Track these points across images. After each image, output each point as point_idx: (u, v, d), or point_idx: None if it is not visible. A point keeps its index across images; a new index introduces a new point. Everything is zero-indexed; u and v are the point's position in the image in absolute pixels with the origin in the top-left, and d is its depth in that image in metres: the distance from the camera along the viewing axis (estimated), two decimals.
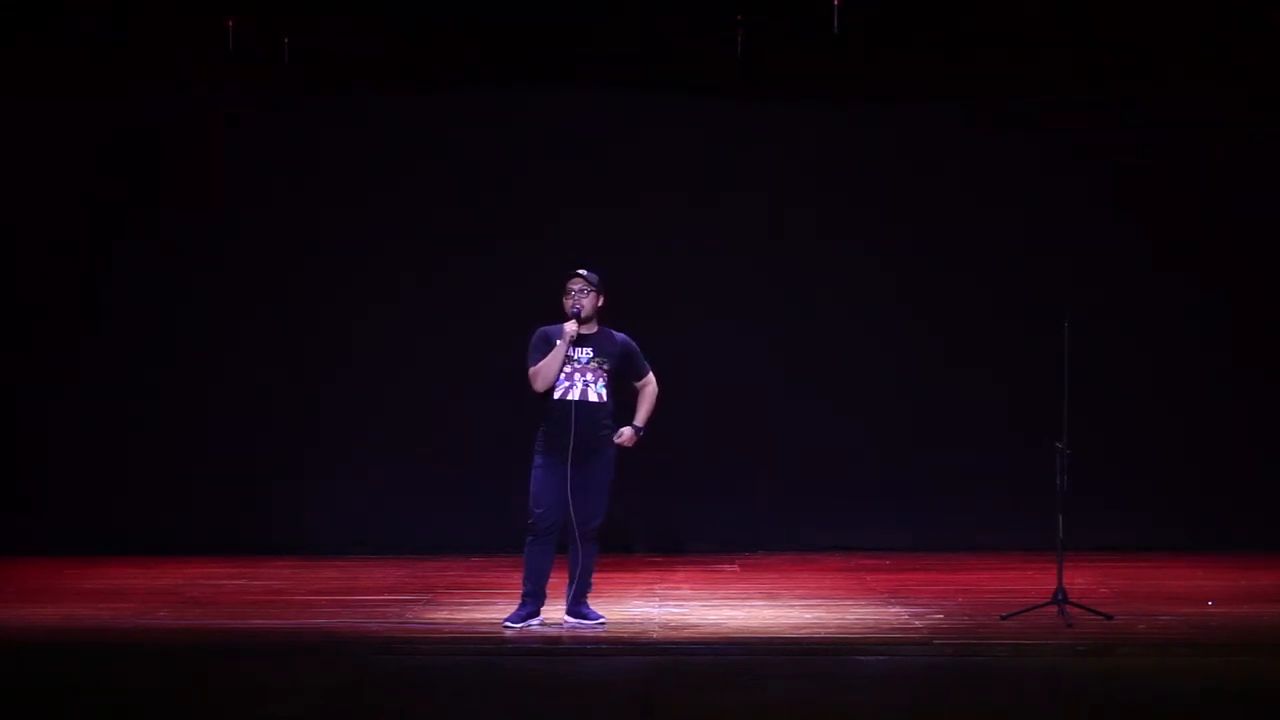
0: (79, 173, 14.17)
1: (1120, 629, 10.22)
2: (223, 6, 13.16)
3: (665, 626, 10.43)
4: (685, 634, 10.21)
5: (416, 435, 14.21)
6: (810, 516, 14.32)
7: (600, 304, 10.21)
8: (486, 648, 9.83)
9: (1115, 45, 13.75)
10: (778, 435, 14.28)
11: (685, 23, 13.45)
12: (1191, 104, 14.18)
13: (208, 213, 14.21)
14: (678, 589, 12.11)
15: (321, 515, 14.17)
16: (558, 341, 10.11)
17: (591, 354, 10.17)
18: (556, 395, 10.12)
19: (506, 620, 10.22)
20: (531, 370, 10.15)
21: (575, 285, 10.16)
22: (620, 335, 10.32)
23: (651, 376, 10.37)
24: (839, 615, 10.87)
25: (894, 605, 11.22)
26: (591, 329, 10.19)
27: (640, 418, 10.29)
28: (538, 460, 10.18)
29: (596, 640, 9.95)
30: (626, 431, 10.21)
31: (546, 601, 10.27)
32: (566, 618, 10.28)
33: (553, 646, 9.84)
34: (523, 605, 10.22)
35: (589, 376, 10.15)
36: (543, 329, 10.24)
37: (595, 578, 10.35)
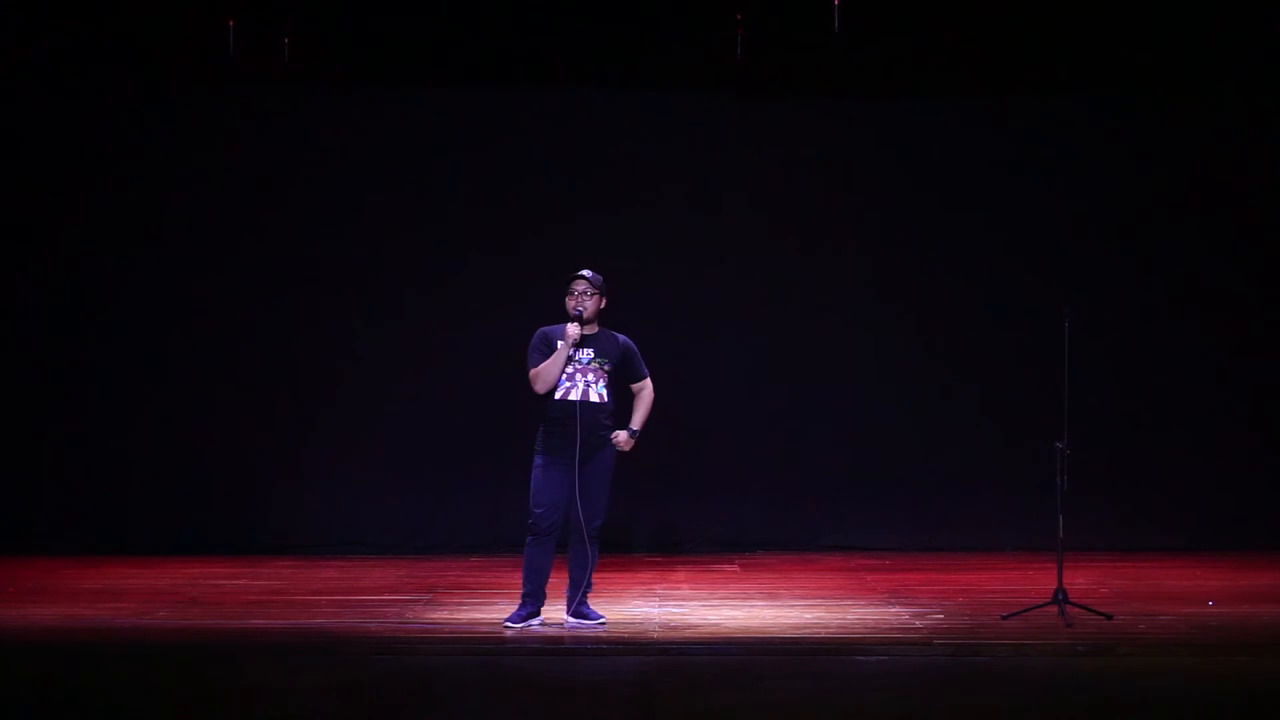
0: (80, 173, 14.18)
1: (1120, 629, 10.22)
2: (223, 6, 13.16)
3: (665, 626, 10.43)
4: (685, 634, 10.21)
5: (417, 435, 14.22)
6: (810, 516, 14.33)
7: (602, 305, 10.21)
8: (486, 648, 9.83)
9: (1115, 46, 13.74)
10: (778, 435, 14.28)
11: (685, 23, 13.45)
12: (1191, 104, 14.19)
13: (208, 213, 14.22)
14: (678, 589, 12.11)
15: (321, 515, 14.18)
16: (559, 343, 10.10)
17: (593, 355, 10.17)
18: (558, 395, 10.12)
19: (507, 620, 10.22)
20: (532, 372, 10.14)
21: (579, 287, 10.15)
22: (621, 337, 10.32)
23: (648, 381, 10.37)
24: (839, 615, 10.87)
25: (894, 605, 11.22)
26: (592, 330, 10.19)
27: (636, 421, 10.29)
28: (538, 460, 10.18)
29: (596, 640, 9.95)
30: (622, 435, 10.21)
31: (546, 601, 10.27)
32: (567, 618, 10.28)
33: (553, 646, 9.84)
34: (523, 605, 10.22)
35: (590, 377, 10.15)
36: (543, 330, 10.23)
37: (595, 578, 10.35)
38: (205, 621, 10.72)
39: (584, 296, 10.13)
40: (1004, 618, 10.49)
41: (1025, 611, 10.51)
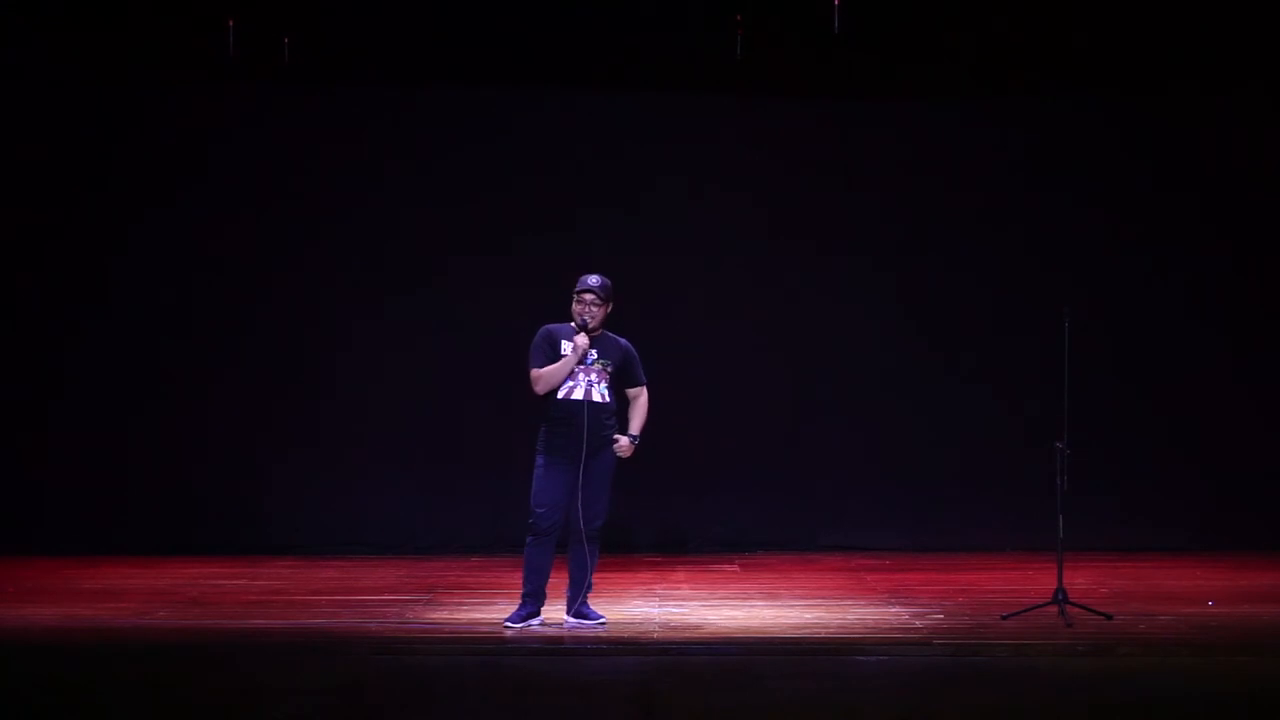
0: (79, 173, 14.18)
1: (1120, 629, 10.22)
2: (223, 6, 13.16)
3: (665, 626, 10.43)
4: (685, 634, 10.20)
5: (417, 435, 14.22)
6: (810, 516, 14.33)
7: (609, 311, 10.20)
8: (486, 648, 9.83)
9: (1115, 46, 13.74)
10: (777, 435, 14.28)
11: (685, 23, 13.45)
12: (1191, 104, 14.20)
13: (208, 213, 14.22)
14: (678, 589, 12.10)
15: (321, 515, 14.18)
16: (565, 347, 10.09)
17: (597, 355, 10.16)
18: (561, 395, 10.11)
19: (507, 620, 10.22)
20: (535, 373, 10.13)
21: (588, 297, 10.12)
22: (622, 340, 10.32)
23: (645, 389, 10.36)
24: (839, 615, 10.87)
25: (894, 605, 11.22)
26: (596, 332, 10.19)
27: (635, 427, 10.28)
28: (540, 460, 10.17)
29: (596, 640, 9.95)
30: (624, 441, 10.20)
31: (546, 601, 10.26)
32: (567, 618, 10.28)
33: (553, 646, 9.83)
34: (523, 605, 10.22)
35: (593, 377, 10.15)
36: (547, 328, 10.21)
37: (595, 578, 10.35)
38: (205, 621, 10.72)
39: (591, 306, 10.11)
40: (1004, 618, 10.49)
41: (1025, 611, 10.51)
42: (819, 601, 11.44)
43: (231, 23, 13.16)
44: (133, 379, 14.16)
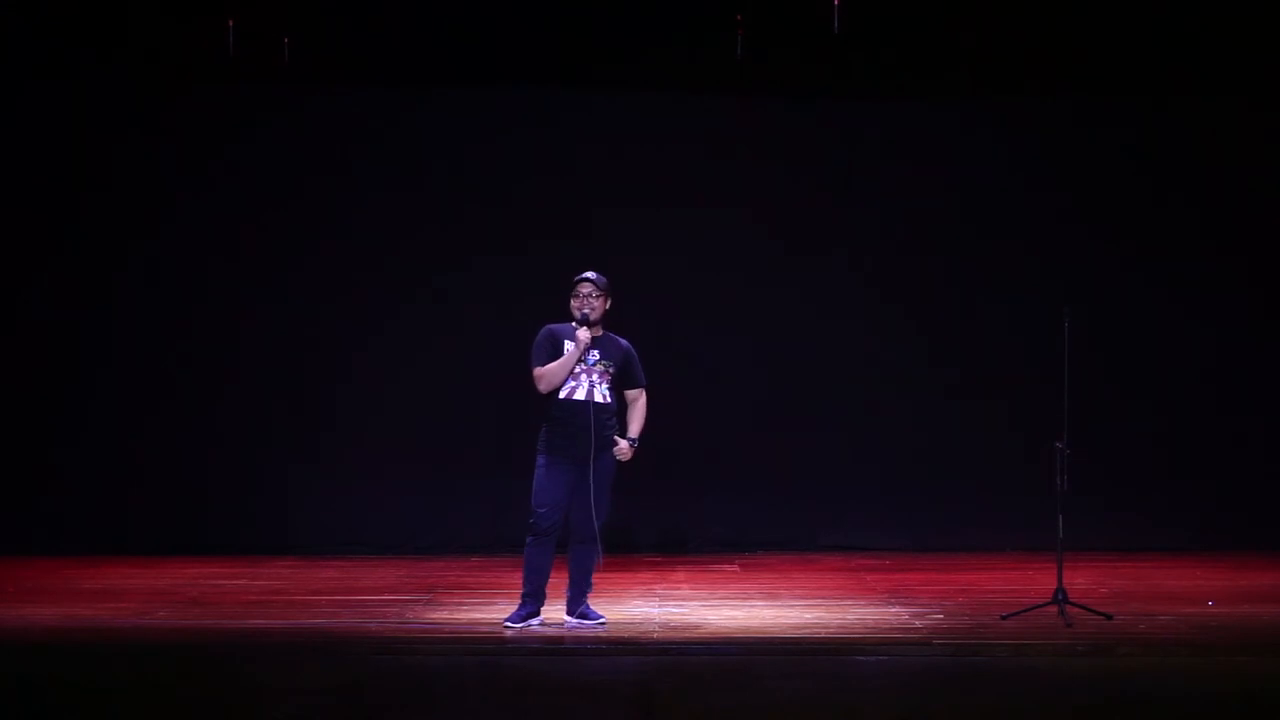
0: (80, 174, 14.18)
1: (1120, 629, 10.22)
2: (223, 6, 13.16)
3: (665, 626, 10.43)
4: (685, 634, 10.20)
5: (416, 435, 14.22)
6: (810, 516, 14.33)
7: (608, 307, 10.20)
8: (486, 648, 9.83)
9: (1114, 46, 13.74)
10: (778, 436, 14.27)
11: (685, 23, 13.45)
12: (1190, 105, 14.19)
13: (208, 213, 14.22)
14: (678, 589, 12.10)
15: (321, 515, 14.18)
16: (568, 346, 10.09)
17: (598, 356, 10.17)
18: (563, 395, 10.11)
19: (507, 620, 10.22)
20: (538, 371, 10.13)
21: (585, 289, 10.13)
22: (624, 341, 10.31)
23: (644, 391, 10.35)
24: (839, 615, 10.87)
25: (894, 605, 11.22)
26: (597, 332, 10.19)
27: (634, 430, 10.28)
28: (541, 460, 10.17)
29: (596, 640, 9.95)
30: (623, 445, 10.20)
31: (546, 601, 10.26)
32: (567, 618, 10.28)
33: (553, 646, 9.83)
34: (523, 605, 10.22)
35: (595, 378, 10.15)
36: (549, 328, 10.21)
37: (595, 578, 10.35)
38: (205, 621, 10.72)
39: (590, 299, 10.12)
40: (1004, 618, 10.49)
41: (1025, 611, 10.51)
42: (819, 601, 11.44)
43: (231, 23, 13.15)
44: (133, 379, 14.16)
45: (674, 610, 11.06)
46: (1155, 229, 14.28)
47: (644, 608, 11.15)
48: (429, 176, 14.27)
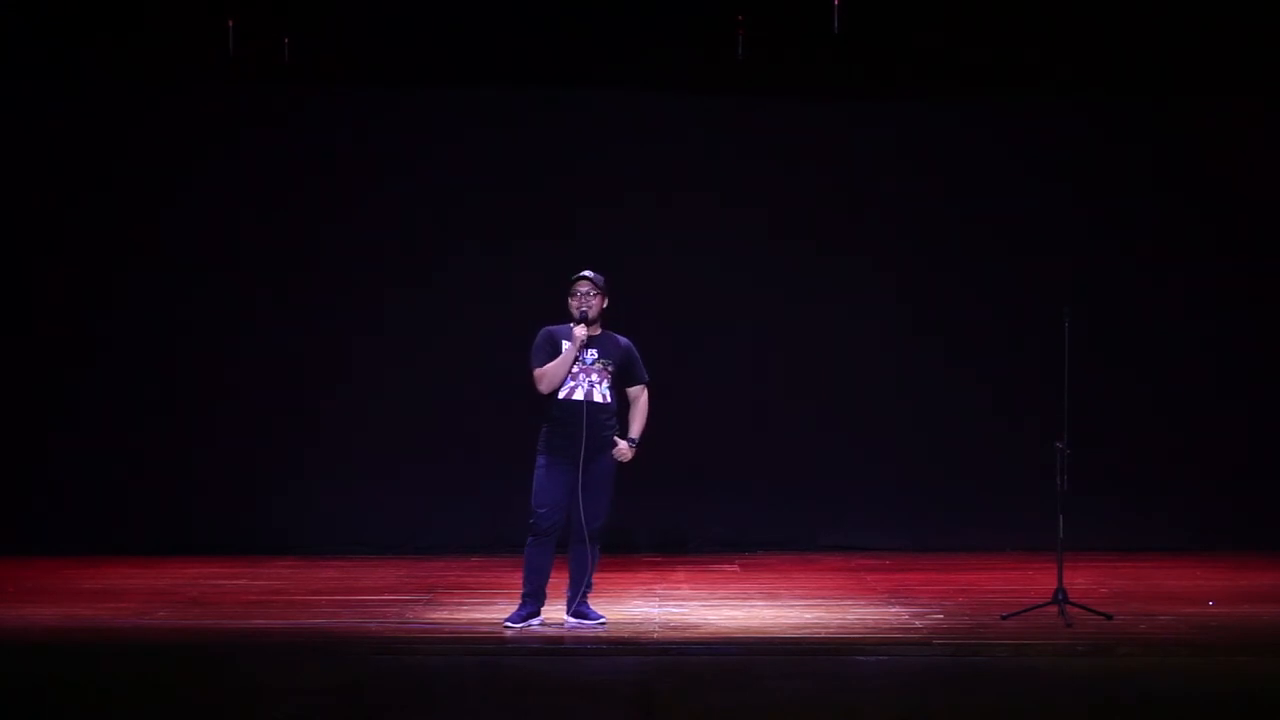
0: (80, 174, 14.18)
1: (1120, 629, 10.22)
2: (223, 6, 13.16)
3: (665, 626, 10.42)
4: (685, 634, 10.20)
5: (416, 435, 14.22)
6: (810, 516, 14.33)
7: (605, 305, 10.20)
8: (486, 648, 9.83)
9: (1114, 46, 13.74)
10: (778, 435, 14.28)
11: (685, 22, 13.45)
12: (1190, 105, 14.19)
13: (207, 213, 14.23)
14: (678, 589, 12.10)
15: (321, 515, 14.18)
16: (565, 344, 10.10)
17: (597, 355, 10.16)
18: (562, 395, 10.11)
19: (507, 620, 10.22)
20: (538, 371, 10.13)
21: (583, 287, 10.14)
22: (623, 339, 10.31)
23: (645, 389, 10.34)
24: (839, 615, 10.87)
25: (894, 605, 11.22)
26: (595, 331, 10.19)
27: (635, 430, 10.27)
28: (541, 460, 10.17)
29: (596, 640, 9.95)
30: (623, 446, 10.19)
31: (547, 601, 10.26)
32: (567, 618, 10.28)
33: (553, 646, 9.83)
34: (523, 605, 10.22)
35: (594, 377, 10.14)
36: (547, 329, 10.22)
37: (595, 578, 10.35)
38: (205, 621, 10.72)
39: (588, 297, 10.12)
40: (1004, 618, 10.49)
41: (1025, 611, 10.51)
42: (819, 601, 11.44)
43: (231, 23, 13.15)
44: (133, 379, 14.16)
45: (674, 610, 11.06)
46: (1158, 228, 14.28)
47: (644, 608, 11.15)
48: (429, 176, 14.27)
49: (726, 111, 14.29)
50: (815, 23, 12.93)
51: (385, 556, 13.76)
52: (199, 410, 14.19)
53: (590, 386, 10.12)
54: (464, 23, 13.54)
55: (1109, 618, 10.43)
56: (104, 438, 14.11)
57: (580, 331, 10.07)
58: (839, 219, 14.35)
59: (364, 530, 14.17)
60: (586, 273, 10.19)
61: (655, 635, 10.15)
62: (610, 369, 10.19)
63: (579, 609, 10.28)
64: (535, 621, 10.21)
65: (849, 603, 11.39)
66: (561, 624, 10.25)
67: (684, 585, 12.32)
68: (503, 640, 9.96)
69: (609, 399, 10.18)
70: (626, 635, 10.10)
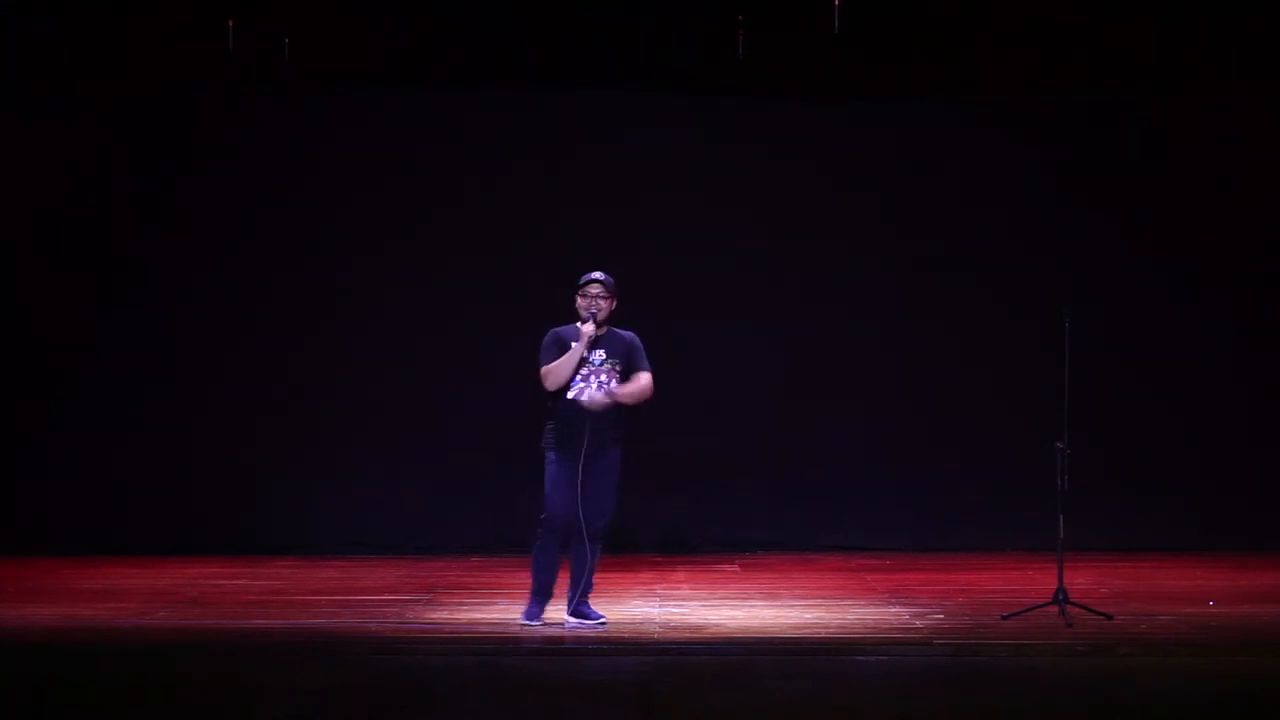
0: (79, 173, 14.18)
1: (1120, 629, 10.22)
2: (223, 6, 13.16)
3: (665, 626, 10.42)
4: (685, 634, 10.20)
5: (416, 435, 14.22)
6: (810, 516, 14.33)
7: (613, 307, 10.19)
8: (486, 648, 9.82)
9: (1114, 46, 13.74)
10: (778, 435, 14.28)
11: (685, 23, 13.45)
12: (1190, 104, 14.20)
13: (207, 213, 14.23)
14: (678, 589, 12.10)
15: (321, 515, 14.18)
16: (574, 343, 10.08)
17: (605, 355, 10.14)
18: (570, 395, 10.08)
19: (525, 618, 10.15)
20: (544, 369, 10.09)
21: (593, 290, 10.09)
22: (627, 333, 10.27)
23: (647, 375, 10.25)
24: (839, 615, 10.87)
25: (894, 605, 11.22)
26: (601, 330, 10.17)
27: (619, 390, 10.09)
28: (551, 457, 10.12)
29: (596, 640, 9.95)
30: (598, 393, 10.06)
31: (549, 601, 10.25)
32: (567, 618, 10.27)
33: (553, 646, 9.83)
34: (536, 601, 10.18)
35: (603, 378, 10.13)
36: (555, 330, 10.18)
37: (595, 578, 10.34)
38: (205, 621, 10.72)
39: (597, 300, 10.10)
40: (1004, 618, 10.48)
41: (1025, 611, 10.50)
42: (819, 601, 11.43)
43: (231, 23, 13.15)
44: (133, 379, 14.16)
45: (674, 610, 11.06)
46: (1159, 227, 14.28)
47: (644, 608, 11.14)
48: (430, 175, 14.28)
49: (726, 111, 14.28)
50: (815, 23, 12.93)
51: (385, 556, 13.76)
52: (199, 410, 14.19)
53: (599, 387, 10.10)
54: (463, 23, 13.54)
55: (1109, 618, 10.43)
56: (104, 438, 14.11)
57: (588, 328, 10.05)
58: (839, 219, 14.34)
59: (364, 530, 14.17)
60: (597, 275, 10.14)
61: (655, 635, 10.14)
62: (618, 368, 10.16)
63: (579, 609, 10.27)
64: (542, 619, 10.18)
65: (849, 603, 11.39)
66: (562, 624, 10.24)
67: (684, 585, 12.32)
68: (503, 640, 9.96)
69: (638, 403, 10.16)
70: (626, 635, 10.09)
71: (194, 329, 14.21)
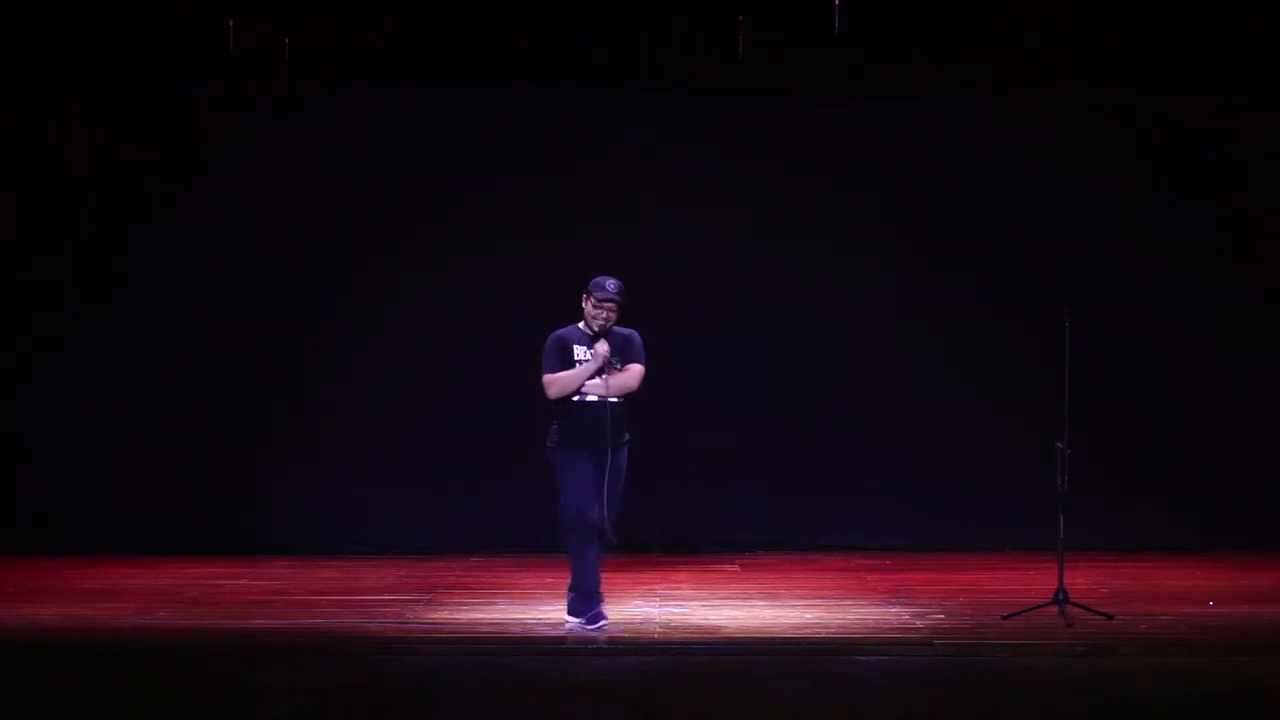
0: (79, 173, 14.18)
1: (1120, 629, 10.22)
2: (223, 6, 13.16)
3: (665, 626, 10.42)
4: (685, 634, 10.20)
5: (416, 435, 14.21)
6: (810, 516, 14.33)
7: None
8: (486, 648, 9.83)
9: (1114, 46, 13.74)
10: (778, 435, 14.27)
11: (685, 23, 13.45)
12: (1191, 104, 14.19)
13: (207, 213, 14.23)
14: (678, 589, 12.10)
15: (321, 515, 14.18)
16: (577, 350, 10.01)
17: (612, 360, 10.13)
18: (576, 398, 10.03)
19: (589, 623, 10.07)
20: (550, 377, 10.04)
21: (610, 305, 10.01)
22: (626, 331, 10.24)
23: (638, 366, 10.14)
24: (839, 615, 10.87)
25: (894, 605, 11.22)
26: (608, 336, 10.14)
27: (611, 382, 10.06)
28: (563, 457, 10.05)
29: (596, 640, 9.94)
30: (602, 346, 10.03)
31: (546, 603, 10.24)
32: (568, 618, 10.26)
33: (553, 646, 9.83)
34: (594, 603, 10.11)
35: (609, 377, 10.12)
36: (556, 334, 10.14)
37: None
38: (205, 621, 10.72)
39: (613, 312, 10.06)
40: (1004, 618, 10.49)
41: (1025, 611, 10.51)
42: (819, 601, 11.44)
43: (231, 23, 13.15)
44: (133, 379, 14.16)
45: (674, 610, 11.06)
46: (1159, 227, 14.28)
47: (644, 608, 11.15)
48: (430, 176, 14.27)
49: (726, 111, 14.28)
50: (815, 23, 12.92)
51: (385, 556, 13.76)
52: (200, 410, 14.19)
53: (602, 379, 10.07)
54: (463, 23, 13.53)
55: (1109, 618, 10.43)
56: (104, 438, 14.11)
57: (602, 348, 10.00)
58: (838, 219, 14.33)
59: (364, 530, 14.17)
60: (612, 288, 10.03)
61: (655, 635, 10.14)
62: (618, 365, 10.13)
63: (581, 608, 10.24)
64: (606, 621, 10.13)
65: (849, 603, 11.39)
66: (562, 624, 10.23)
67: (684, 585, 12.32)
68: (503, 640, 9.97)
69: (622, 397, 10.15)
70: (626, 635, 10.09)
71: (194, 329, 14.20)
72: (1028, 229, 14.28)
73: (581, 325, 10.15)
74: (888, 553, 13.94)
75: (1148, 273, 14.30)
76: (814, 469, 14.27)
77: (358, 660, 9.58)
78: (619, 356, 10.14)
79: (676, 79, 14.02)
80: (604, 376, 10.03)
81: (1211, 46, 13.62)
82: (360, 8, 13.51)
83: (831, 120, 14.35)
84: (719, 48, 13.44)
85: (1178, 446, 14.21)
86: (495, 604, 10.99)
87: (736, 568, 13.39)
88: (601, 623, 10.10)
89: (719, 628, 10.41)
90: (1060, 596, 10.44)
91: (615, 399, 10.08)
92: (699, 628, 10.42)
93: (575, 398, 10.05)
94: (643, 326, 10.69)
